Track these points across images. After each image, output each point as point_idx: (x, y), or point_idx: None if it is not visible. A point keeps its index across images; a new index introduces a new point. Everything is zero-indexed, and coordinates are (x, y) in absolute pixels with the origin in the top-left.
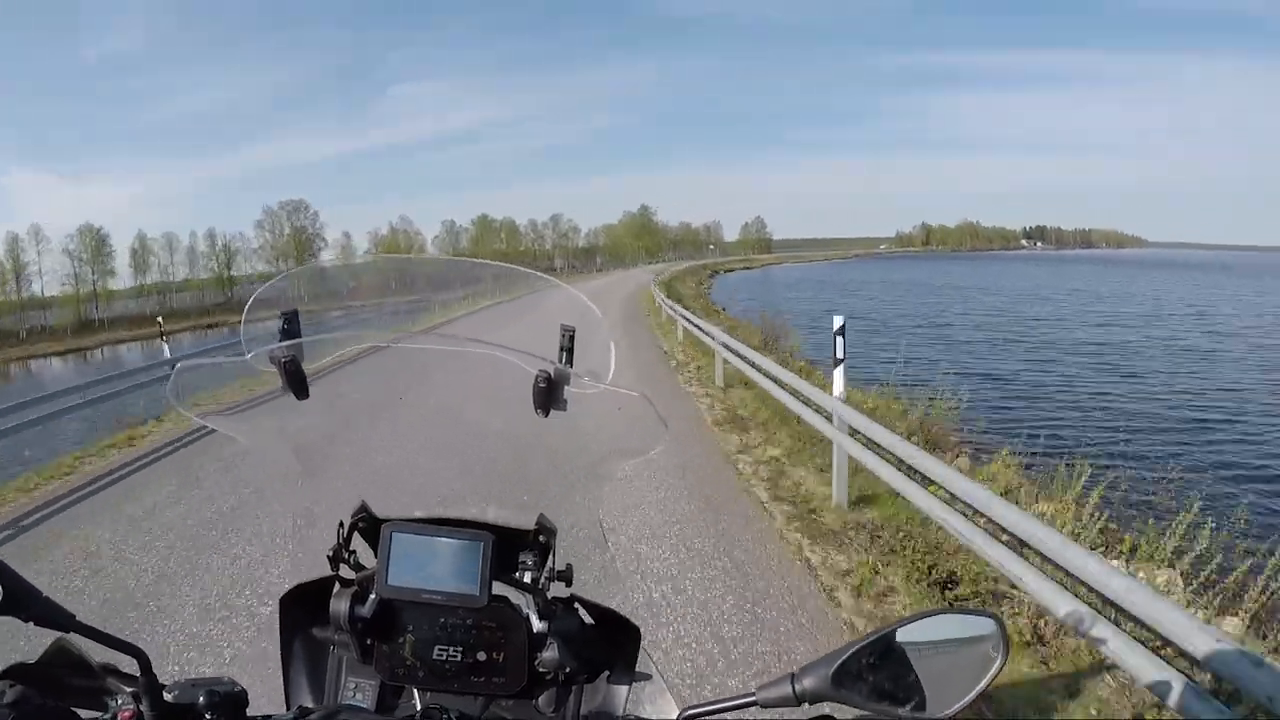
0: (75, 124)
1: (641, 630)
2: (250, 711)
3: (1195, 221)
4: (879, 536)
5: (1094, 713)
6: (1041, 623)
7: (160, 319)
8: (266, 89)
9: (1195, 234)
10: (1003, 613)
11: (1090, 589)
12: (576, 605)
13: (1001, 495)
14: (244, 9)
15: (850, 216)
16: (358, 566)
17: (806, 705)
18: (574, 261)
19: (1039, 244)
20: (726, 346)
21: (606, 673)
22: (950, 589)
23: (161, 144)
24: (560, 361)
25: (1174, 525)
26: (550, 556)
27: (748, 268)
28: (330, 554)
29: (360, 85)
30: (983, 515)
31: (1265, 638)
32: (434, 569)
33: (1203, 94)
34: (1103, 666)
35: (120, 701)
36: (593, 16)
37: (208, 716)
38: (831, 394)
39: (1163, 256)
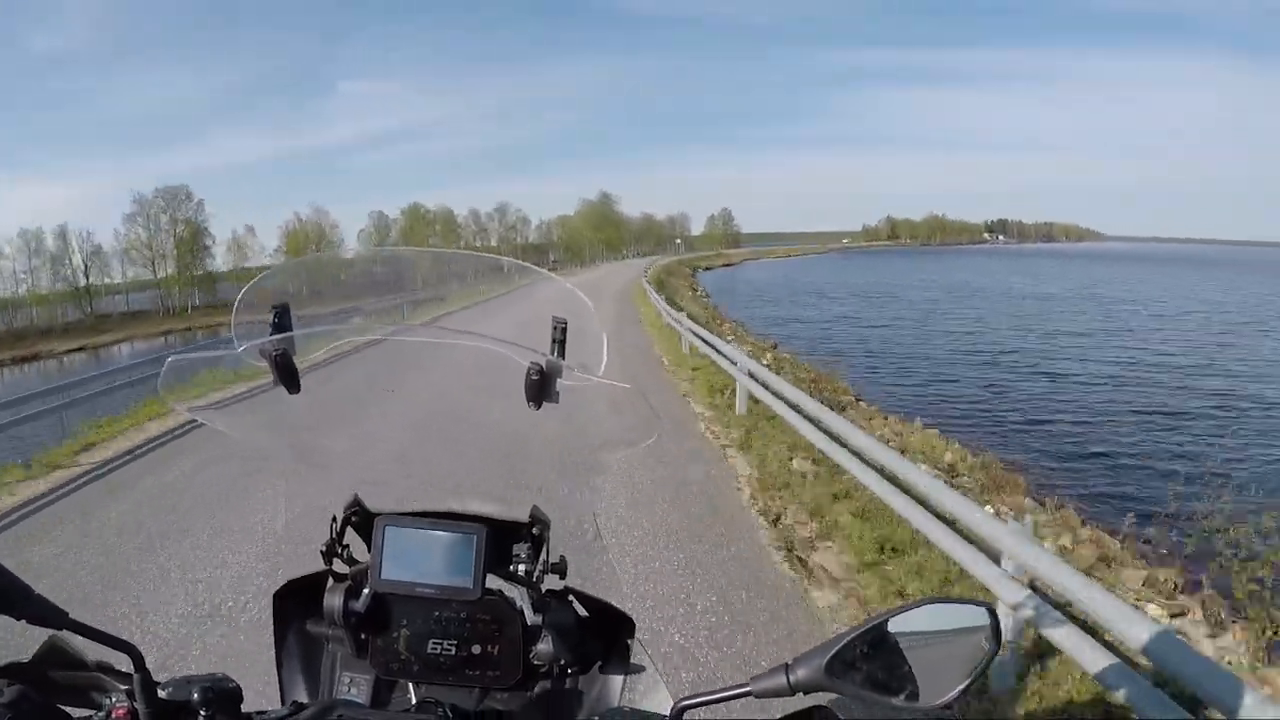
0: (3, 124)
1: (636, 622)
2: (245, 707)
3: (1151, 216)
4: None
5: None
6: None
7: None
8: (212, 86)
9: (1150, 228)
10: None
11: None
12: (571, 598)
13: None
14: (187, 6)
15: (817, 210)
16: (351, 560)
17: (801, 695)
18: (522, 259)
19: (1000, 238)
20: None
21: (601, 665)
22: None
23: (100, 143)
24: (552, 354)
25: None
26: (544, 549)
27: (728, 264)
28: (323, 548)
29: (309, 82)
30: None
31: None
32: (428, 562)
33: (1157, 94)
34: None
35: (114, 699)
36: (549, 14)
37: (202, 713)
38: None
39: (1118, 250)
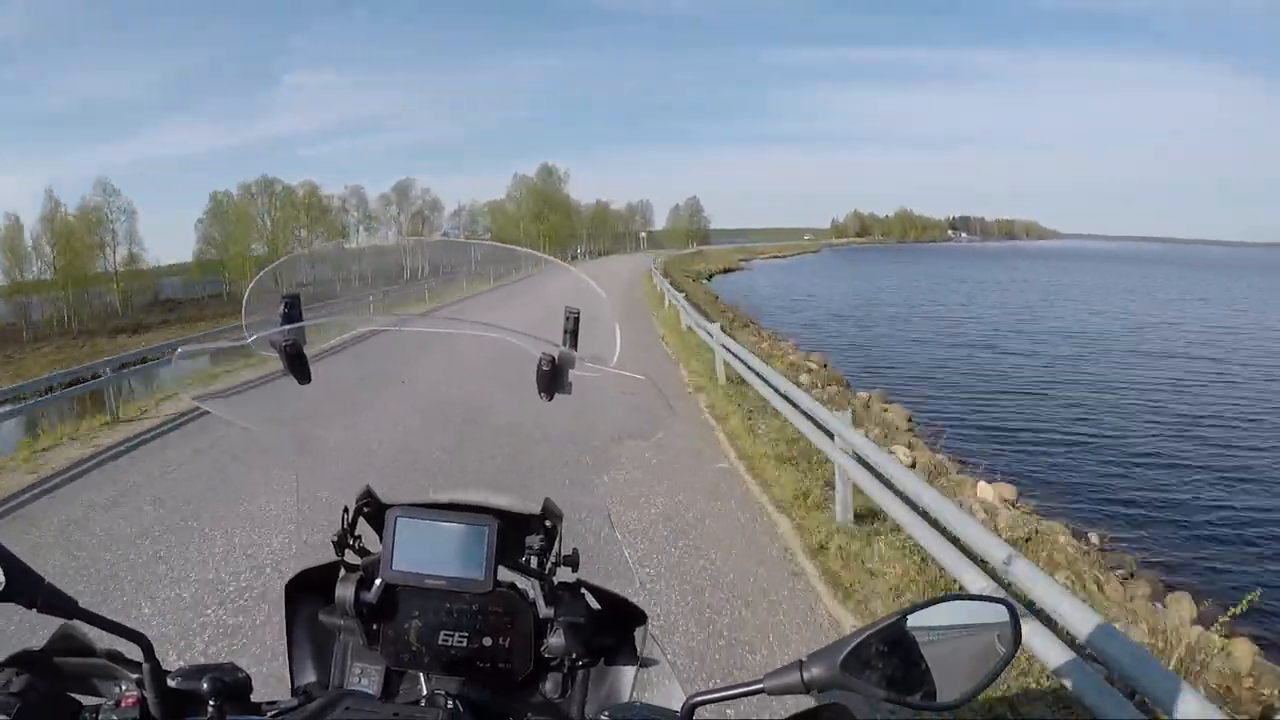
0: None
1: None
2: (254, 697)
3: (1104, 214)
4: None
5: None
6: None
7: None
8: (150, 80)
9: (1102, 226)
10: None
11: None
12: (583, 591)
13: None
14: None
15: (777, 207)
16: (363, 551)
17: (815, 692)
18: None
19: (964, 235)
20: None
21: (613, 658)
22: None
23: (36, 136)
24: (564, 344)
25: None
26: (556, 541)
27: (728, 269)
28: (335, 539)
29: (254, 75)
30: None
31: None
32: (439, 554)
33: (1110, 95)
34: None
35: (124, 687)
36: (500, 7)
37: (211, 702)
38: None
39: (1073, 248)
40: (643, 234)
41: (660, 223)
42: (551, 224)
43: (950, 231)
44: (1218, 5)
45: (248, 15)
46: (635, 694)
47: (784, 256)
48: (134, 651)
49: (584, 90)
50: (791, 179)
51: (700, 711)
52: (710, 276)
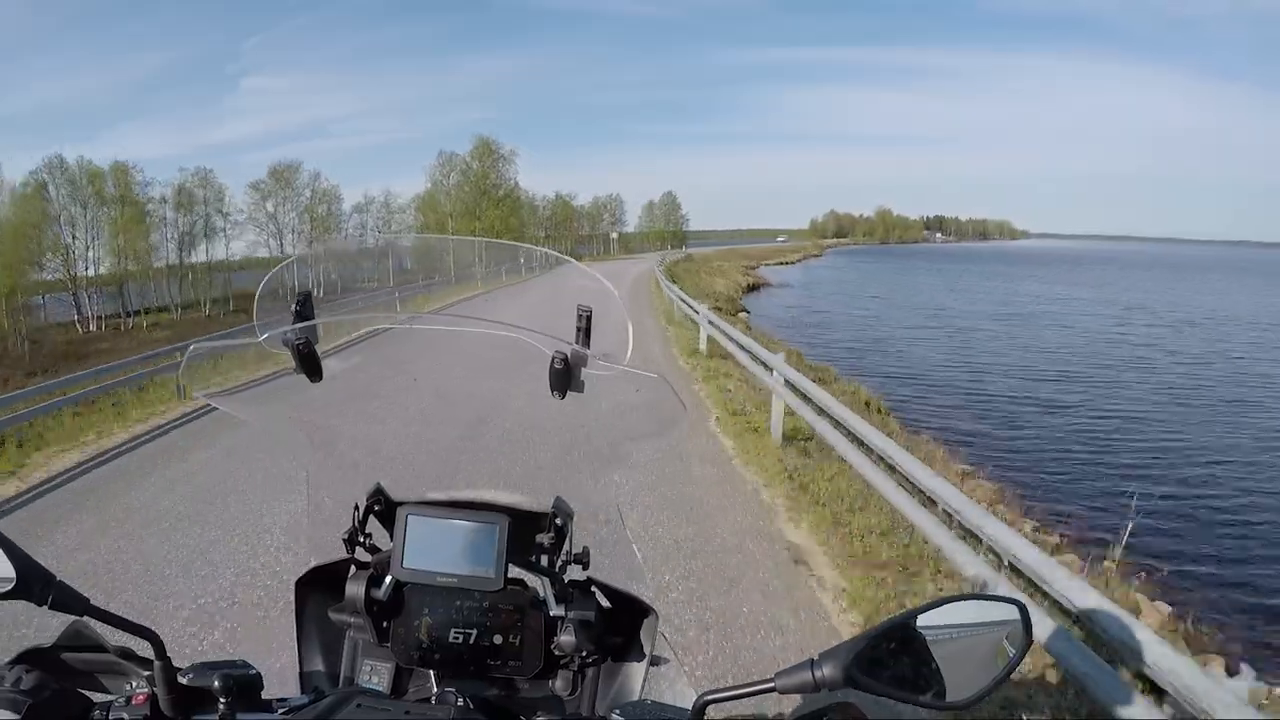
0: None
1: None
2: (265, 694)
3: (1072, 213)
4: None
5: None
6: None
7: None
8: (105, 84)
9: (1070, 225)
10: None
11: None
12: (593, 589)
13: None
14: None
15: (745, 208)
16: (373, 549)
17: (826, 691)
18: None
19: (938, 235)
20: None
21: (623, 655)
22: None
23: None
24: (577, 343)
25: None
26: (567, 539)
27: (754, 285)
28: (346, 536)
29: (212, 79)
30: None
31: None
32: (450, 552)
33: (1084, 95)
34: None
35: (135, 684)
36: (460, 8)
37: (223, 699)
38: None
39: (1046, 247)
40: (613, 235)
41: (632, 222)
42: (493, 220)
43: (925, 232)
44: (1180, 10)
45: (203, 19)
46: (645, 691)
47: (792, 262)
48: (145, 649)
49: (545, 91)
50: (760, 180)
51: (711, 709)
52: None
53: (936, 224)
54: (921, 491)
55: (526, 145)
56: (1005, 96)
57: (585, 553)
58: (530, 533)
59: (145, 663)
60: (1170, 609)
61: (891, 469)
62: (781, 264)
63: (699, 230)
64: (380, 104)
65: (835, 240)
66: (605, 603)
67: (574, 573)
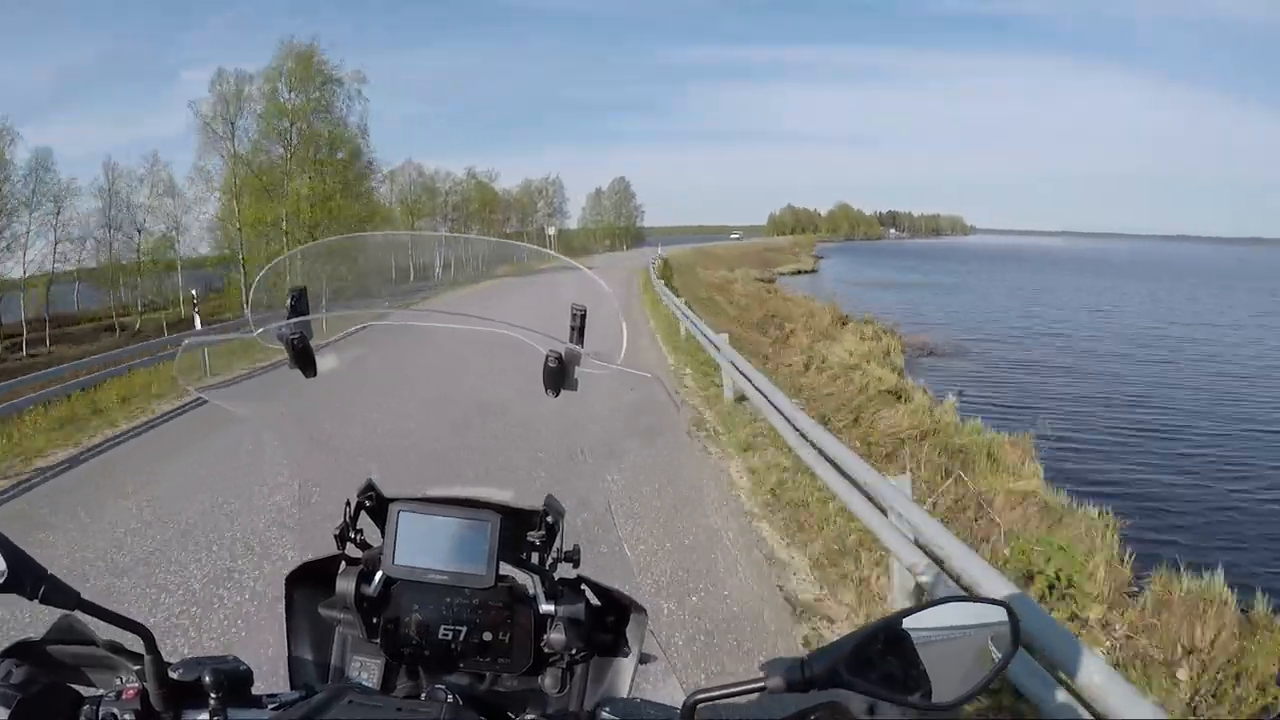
0: None
1: (649, 612)
2: (255, 689)
3: (1014, 209)
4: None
5: None
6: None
7: None
8: (36, 77)
9: (1012, 221)
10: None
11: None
12: (583, 586)
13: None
14: None
15: (701, 204)
16: (364, 545)
17: (815, 691)
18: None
19: (892, 231)
20: None
21: (612, 653)
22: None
23: None
24: (571, 341)
25: None
26: (558, 537)
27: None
28: (337, 532)
29: (150, 72)
30: None
31: None
32: (441, 549)
33: (1021, 96)
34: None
35: (125, 679)
36: (396, 2)
37: (213, 695)
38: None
39: (994, 243)
40: (550, 230)
41: (575, 216)
42: (314, 197)
43: (881, 228)
44: (1118, 11)
45: (143, 10)
46: (634, 689)
47: (809, 270)
48: (135, 643)
49: (485, 87)
50: (711, 177)
51: (700, 709)
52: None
53: (890, 220)
54: None
55: (467, 141)
56: (953, 96)
57: (576, 550)
58: (521, 530)
59: (136, 657)
60: None
61: None
62: (799, 272)
63: (650, 227)
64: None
65: (797, 236)
66: (595, 600)
67: (564, 570)
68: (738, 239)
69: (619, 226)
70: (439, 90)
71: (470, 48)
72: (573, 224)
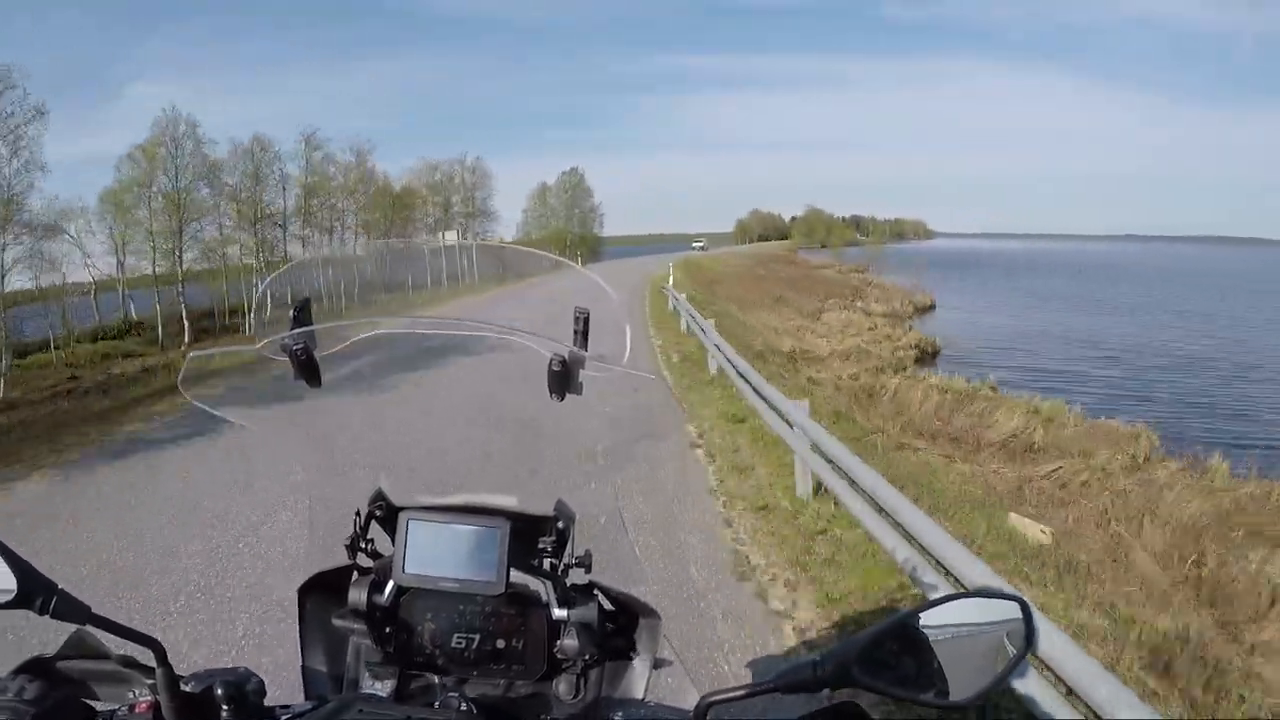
0: None
1: (662, 616)
2: (268, 701)
3: (974, 212)
4: None
5: None
6: None
7: None
8: None
9: (970, 224)
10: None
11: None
12: (596, 591)
13: None
14: None
15: (658, 213)
16: (375, 554)
17: (828, 691)
18: None
19: (858, 236)
20: None
21: (625, 658)
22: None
23: None
24: (575, 344)
25: None
26: (569, 543)
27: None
28: (348, 542)
29: (93, 87)
30: None
31: None
32: (451, 556)
33: (974, 101)
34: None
35: (138, 692)
36: (351, 14)
37: (225, 707)
38: None
39: (958, 246)
40: (447, 236)
41: (510, 223)
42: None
43: (851, 232)
44: (1068, 16)
45: (90, 23)
46: (648, 693)
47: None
48: (147, 657)
49: (429, 98)
50: (671, 185)
51: (714, 711)
52: None
53: (855, 224)
54: None
55: (411, 156)
56: (911, 101)
57: (587, 555)
58: (532, 536)
59: (148, 671)
60: None
61: None
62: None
63: (606, 236)
64: (268, 113)
65: (780, 243)
66: (607, 605)
67: (576, 576)
68: (702, 247)
69: (571, 233)
70: (384, 106)
71: (407, 65)
72: (509, 230)
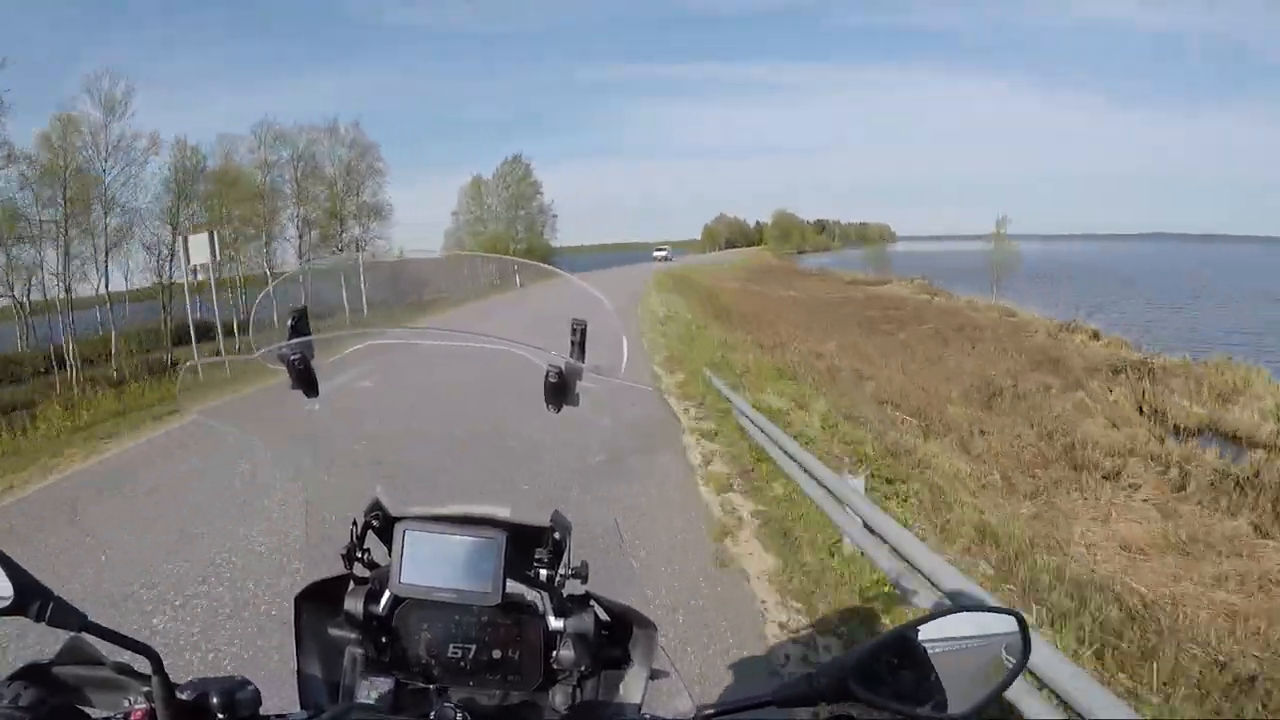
0: None
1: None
2: (263, 710)
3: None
4: None
5: None
6: None
7: None
8: None
9: (935, 227)
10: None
11: None
12: (592, 602)
13: None
14: None
15: (623, 220)
16: (372, 564)
17: (824, 705)
18: None
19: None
20: None
21: (622, 668)
22: None
23: None
24: (571, 356)
25: None
26: (565, 554)
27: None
28: (344, 552)
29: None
30: None
31: None
32: (448, 567)
33: (926, 104)
34: None
35: (133, 700)
36: (301, 21)
37: (220, 715)
38: None
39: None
40: (202, 244)
41: (438, 230)
42: None
43: (819, 237)
44: (1020, 19)
45: (46, 27)
46: (645, 705)
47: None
48: (143, 665)
49: (380, 108)
50: (630, 193)
51: None
52: None
53: (821, 228)
54: None
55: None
56: (865, 107)
57: (584, 566)
58: (528, 547)
59: (143, 678)
60: None
61: None
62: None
63: (561, 246)
64: (225, 123)
65: (750, 249)
66: (604, 616)
67: (573, 586)
68: (665, 255)
69: (514, 237)
70: (350, 111)
71: (361, 78)
72: (436, 236)
